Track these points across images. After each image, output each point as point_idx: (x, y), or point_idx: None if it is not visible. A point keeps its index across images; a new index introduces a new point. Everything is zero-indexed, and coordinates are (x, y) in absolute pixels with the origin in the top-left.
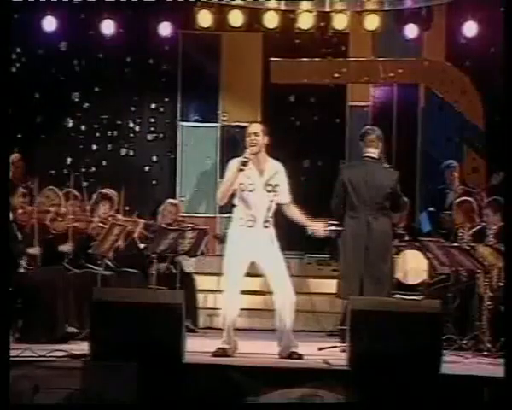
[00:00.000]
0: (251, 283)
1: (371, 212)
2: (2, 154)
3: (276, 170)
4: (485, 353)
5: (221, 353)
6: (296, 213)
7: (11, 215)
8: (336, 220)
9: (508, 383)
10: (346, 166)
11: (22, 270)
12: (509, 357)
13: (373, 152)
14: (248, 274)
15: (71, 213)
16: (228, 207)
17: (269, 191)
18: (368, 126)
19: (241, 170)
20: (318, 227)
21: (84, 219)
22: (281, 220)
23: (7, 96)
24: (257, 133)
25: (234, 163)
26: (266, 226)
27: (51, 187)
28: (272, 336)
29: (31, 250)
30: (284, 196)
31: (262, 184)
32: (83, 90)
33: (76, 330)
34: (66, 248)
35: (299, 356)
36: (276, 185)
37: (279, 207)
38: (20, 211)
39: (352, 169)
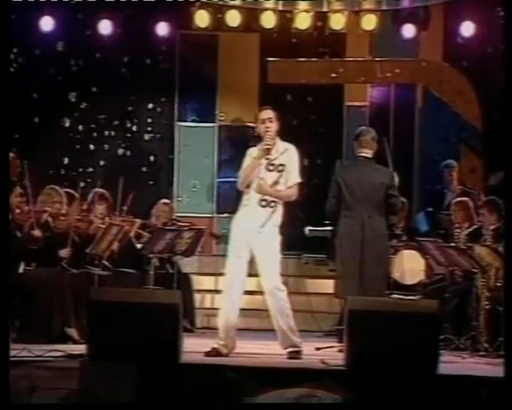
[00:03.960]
0: (249, 282)
1: (365, 212)
2: (2, 153)
3: (284, 149)
4: (483, 353)
5: (214, 353)
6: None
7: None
8: (331, 221)
9: (507, 383)
10: (340, 166)
11: (21, 270)
12: (508, 357)
13: (367, 152)
14: None
15: (72, 213)
16: (227, 207)
17: (270, 170)
18: (362, 127)
19: (267, 159)
20: None
21: (86, 219)
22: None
23: (6, 96)
24: (271, 119)
25: (253, 150)
26: (263, 206)
27: (53, 186)
28: (269, 336)
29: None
30: (291, 176)
31: (265, 163)
32: (80, 90)
33: (76, 337)
34: (64, 253)
35: (297, 356)
36: (281, 165)
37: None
38: (17, 211)
39: (346, 169)
